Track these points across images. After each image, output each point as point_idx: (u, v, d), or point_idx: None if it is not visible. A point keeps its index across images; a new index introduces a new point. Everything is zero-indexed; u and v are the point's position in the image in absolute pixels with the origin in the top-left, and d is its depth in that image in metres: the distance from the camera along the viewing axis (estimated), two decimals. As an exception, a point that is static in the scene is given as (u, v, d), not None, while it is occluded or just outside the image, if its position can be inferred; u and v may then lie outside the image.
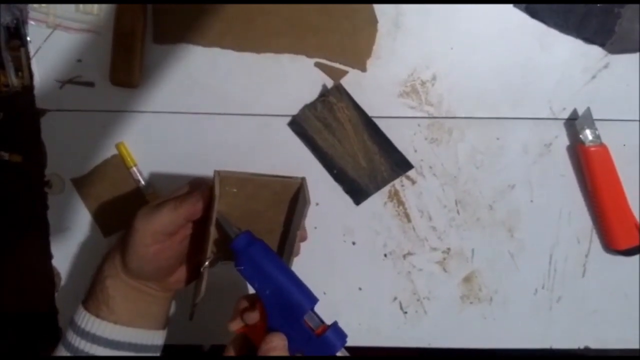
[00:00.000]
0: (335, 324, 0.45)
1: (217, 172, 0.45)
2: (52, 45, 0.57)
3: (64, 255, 0.62)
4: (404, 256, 0.63)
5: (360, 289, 0.64)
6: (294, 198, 0.48)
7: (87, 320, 0.47)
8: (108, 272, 0.48)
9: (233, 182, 0.46)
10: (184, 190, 0.49)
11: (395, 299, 0.64)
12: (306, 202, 0.45)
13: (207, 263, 0.46)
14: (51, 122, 0.59)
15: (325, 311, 0.62)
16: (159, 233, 0.45)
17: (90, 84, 0.58)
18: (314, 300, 0.45)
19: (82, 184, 0.60)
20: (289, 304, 0.44)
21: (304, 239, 0.50)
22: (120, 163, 0.59)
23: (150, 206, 0.47)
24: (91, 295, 0.48)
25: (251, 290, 0.47)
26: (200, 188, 0.47)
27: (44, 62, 0.57)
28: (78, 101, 0.58)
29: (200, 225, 0.48)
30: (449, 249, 0.63)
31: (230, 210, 0.47)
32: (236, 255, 0.45)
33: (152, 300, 0.50)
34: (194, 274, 0.50)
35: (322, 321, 0.45)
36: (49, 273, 0.62)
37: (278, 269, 0.45)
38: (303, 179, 0.47)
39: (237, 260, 0.45)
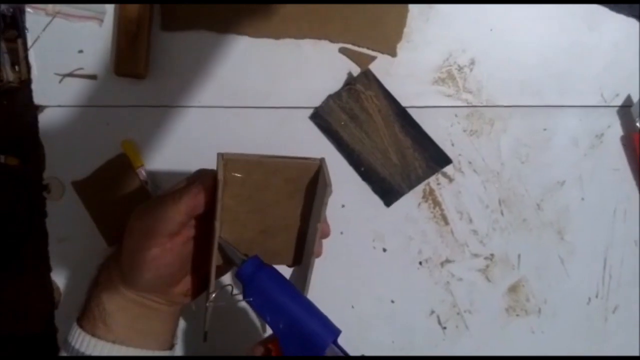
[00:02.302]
0: None
1: (220, 155, 0.39)
2: (51, 35, 0.53)
3: (64, 267, 0.57)
4: (442, 264, 0.58)
5: (392, 301, 0.59)
6: (311, 185, 0.42)
7: (82, 340, 0.41)
8: (104, 285, 0.42)
9: (239, 167, 0.40)
10: (183, 184, 0.43)
11: (432, 312, 0.59)
12: (326, 188, 0.39)
13: (212, 296, 0.41)
14: (50, 119, 0.54)
15: (354, 327, 0.58)
16: (157, 234, 0.39)
17: (92, 77, 0.54)
18: (335, 332, 0.40)
19: (83, 187, 0.55)
20: (307, 338, 0.39)
21: (326, 234, 0.43)
22: (126, 163, 0.55)
23: (146, 204, 0.41)
24: (86, 311, 0.43)
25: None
26: (201, 177, 0.41)
27: (42, 54, 0.53)
28: (79, 96, 0.54)
29: (204, 224, 0.42)
30: (492, 255, 0.59)
31: (237, 204, 0.41)
32: (244, 286, 0.40)
33: (156, 316, 0.44)
34: (203, 285, 0.44)
35: (346, 354, 0.40)
36: (48, 288, 0.57)
37: (291, 298, 0.40)
38: (322, 160, 0.41)
39: (246, 291, 0.40)
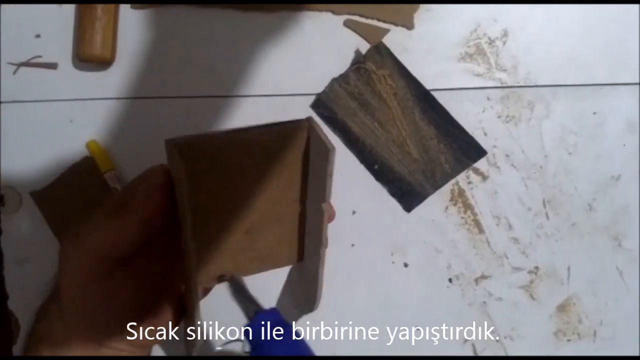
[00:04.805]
0: None
1: (170, 142, 0.29)
2: (3, 17, 0.46)
3: (23, 294, 0.50)
4: (476, 280, 0.50)
5: (417, 328, 0.51)
6: (302, 157, 0.33)
7: None
8: (44, 333, 0.32)
9: (200, 153, 0.30)
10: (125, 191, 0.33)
11: (466, 340, 0.51)
12: (328, 153, 0.29)
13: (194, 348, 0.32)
14: (3, 117, 0.47)
15: (373, 359, 0.48)
16: (101, 259, 0.30)
17: (52, 66, 0.46)
18: None
19: (44, 198, 0.48)
20: None
21: (331, 217, 0.34)
22: (93, 167, 0.47)
23: (83, 222, 0.31)
24: None
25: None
26: (148, 176, 0.31)
27: (-8, 40, 0.46)
28: (37, 89, 0.47)
29: (166, 239, 0.32)
30: (536, 267, 0.51)
31: (207, 201, 0.32)
32: (251, 347, 0.31)
33: None
34: (177, 317, 0.34)
35: None
36: (4, 319, 0.50)
37: None
38: (309, 120, 0.31)
39: (253, 351, 0.31)
